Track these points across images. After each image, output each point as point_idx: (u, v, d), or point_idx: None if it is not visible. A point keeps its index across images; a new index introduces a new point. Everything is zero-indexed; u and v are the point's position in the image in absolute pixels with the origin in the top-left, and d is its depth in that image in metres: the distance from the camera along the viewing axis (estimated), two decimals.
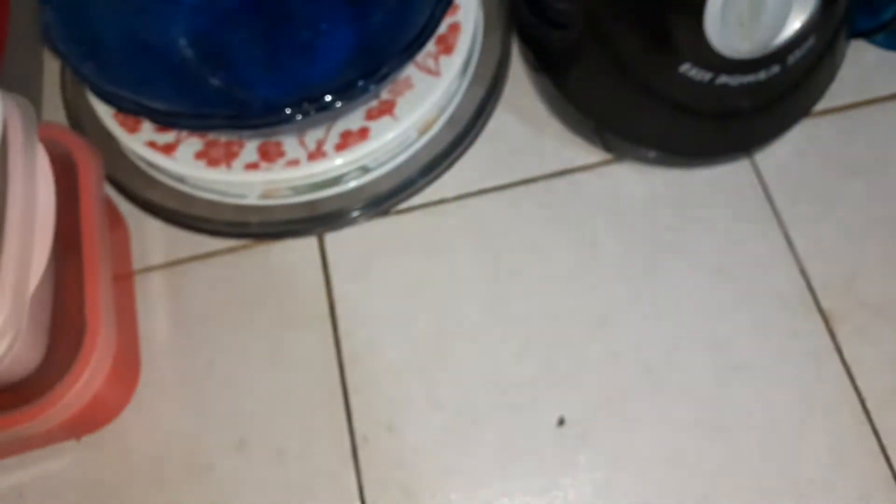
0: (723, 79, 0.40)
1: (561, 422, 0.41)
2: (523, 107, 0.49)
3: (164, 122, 0.39)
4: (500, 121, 0.49)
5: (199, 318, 0.45)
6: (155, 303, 0.46)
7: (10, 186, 0.38)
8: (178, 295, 0.46)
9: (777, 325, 0.43)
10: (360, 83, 0.39)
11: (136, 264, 0.47)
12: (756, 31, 0.38)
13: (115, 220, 0.47)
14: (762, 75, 0.41)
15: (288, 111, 0.38)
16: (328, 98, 0.39)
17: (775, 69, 0.41)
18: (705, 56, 0.39)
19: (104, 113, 0.45)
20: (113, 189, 0.48)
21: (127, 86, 0.40)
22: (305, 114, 0.38)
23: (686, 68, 0.40)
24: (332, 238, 0.47)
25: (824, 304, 0.44)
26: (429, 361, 0.43)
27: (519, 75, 0.50)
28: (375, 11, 0.45)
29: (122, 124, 0.44)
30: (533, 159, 0.48)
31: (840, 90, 0.48)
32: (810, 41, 0.41)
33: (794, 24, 0.39)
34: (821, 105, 0.47)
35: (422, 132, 0.46)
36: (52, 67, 0.51)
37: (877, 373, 0.42)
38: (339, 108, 0.39)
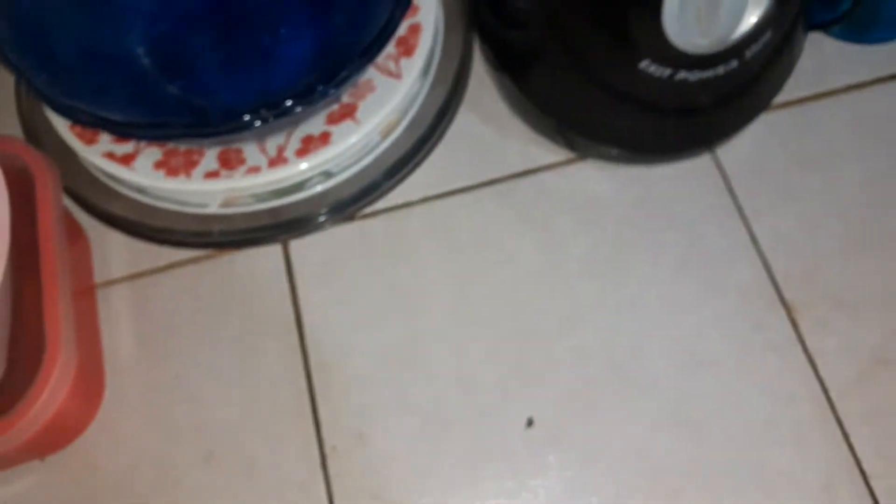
0: (682, 74, 0.41)
1: (530, 423, 0.41)
2: (486, 107, 0.49)
3: (122, 133, 0.38)
4: (464, 122, 0.49)
5: (164, 331, 0.44)
6: (118, 316, 0.45)
7: None
8: (141, 307, 0.45)
9: (741, 317, 0.44)
10: (320, 88, 0.39)
11: (98, 277, 0.46)
12: (713, 26, 0.38)
13: (75, 234, 0.46)
14: (721, 70, 0.41)
15: (246, 118, 0.38)
16: (287, 103, 0.38)
17: (733, 64, 0.41)
18: (664, 52, 0.39)
19: (61, 125, 0.44)
20: (72, 202, 0.47)
21: (83, 98, 0.39)
22: (264, 120, 0.38)
23: (646, 65, 0.40)
24: (296, 245, 0.46)
25: (787, 295, 0.44)
26: (397, 367, 0.43)
27: (481, 76, 0.50)
28: (335, 15, 0.45)
29: (80, 136, 0.43)
30: (497, 160, 0.48)
31: (799, 83, 0.49)
32: (767, 35, 0.41)
33: (751, 19, 0.39)
34: (780, 98, 0.47)
35: (384, 135, 0.45)
36: (6, 79, 0.50)
37: (839, 362, 0.42)
38: (299, 113, 0.39)
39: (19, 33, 0.41)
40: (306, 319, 0.44)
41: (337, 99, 0.43)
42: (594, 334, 0.44)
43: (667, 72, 0.40)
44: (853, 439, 0.41)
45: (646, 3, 0.38)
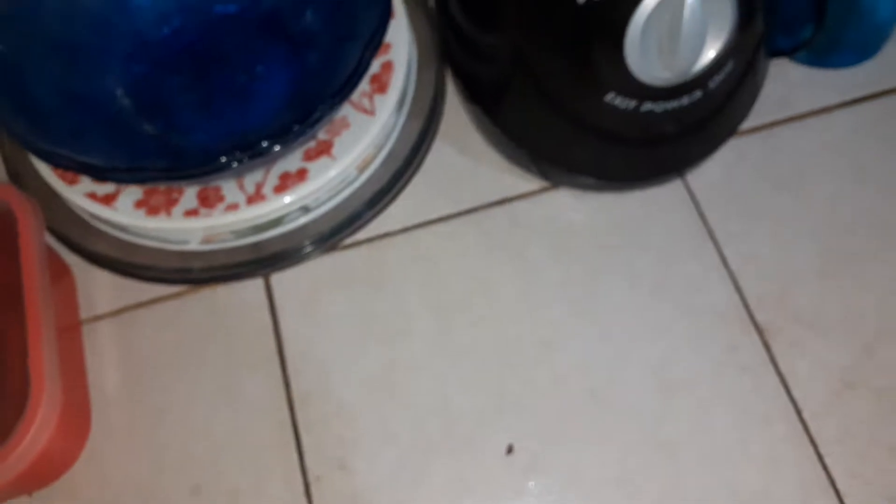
0: (647, 106, 0.42)
1: (510, 450, 0.42)
2: (461, 138, 0.50)
3: (100, 176, 0.39)
4: (440, 153, 0.50)
5: (149, 365, 0.45)
6: (103, 352, 0.46)
7: None
8: (126, 342, 0.46)
9: (714, 340, 0.44)
10: (295, 128, 0.40)
11: (84, 313, 0.47)
12: (675, 58, 0.40)
13: (60, 271, 0.47)
14: (685, 101, 0.42)
15: (223, 159, 0.39)
16: (264, 144, 0.39)
17: (697, 94, 0.42)
18: (628, 85, 0.40)
19: (43, 166, 0.45)
20: (57, 240, 0.48)
21: (61, 140, 0.40)
22: (240, 161, 0.39)
23: (611, 97, 0.41)
24: (278, 277, 0.47)
25: (759, 317, 0.45)
26: (378, 396, 0.44)
27: (456, 107, 0.51)
28: (309, 53, 0.46)
29: (62, 177, 0.44)
30: (473, 190, 0.49)
31: (766, 107, 0.50)
32: (729, 65, 0.42)
33: (711, 52, 0.40)
34: (748, 123, 0.49)
35: (361, 169, 0.46)
36: None
37: (811, 383, 0.43)
38: (275, 153, 0.40)
39: None
40: (288, 351, 0.45)
41: (313, 136, 0.44)
42: (571, 359, 0.44)
43: (632, 104, 0.41)
44: (827, 459, 0.42)
45: (608, 37, 0.39)
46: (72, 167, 0.39)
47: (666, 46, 0.39)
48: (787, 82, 0.51)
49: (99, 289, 0.47)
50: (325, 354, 0.45)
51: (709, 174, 0.49)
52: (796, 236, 0.47)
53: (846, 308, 0.45)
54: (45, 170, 0.45)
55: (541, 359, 0.44)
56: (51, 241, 0.48)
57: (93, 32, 0.45)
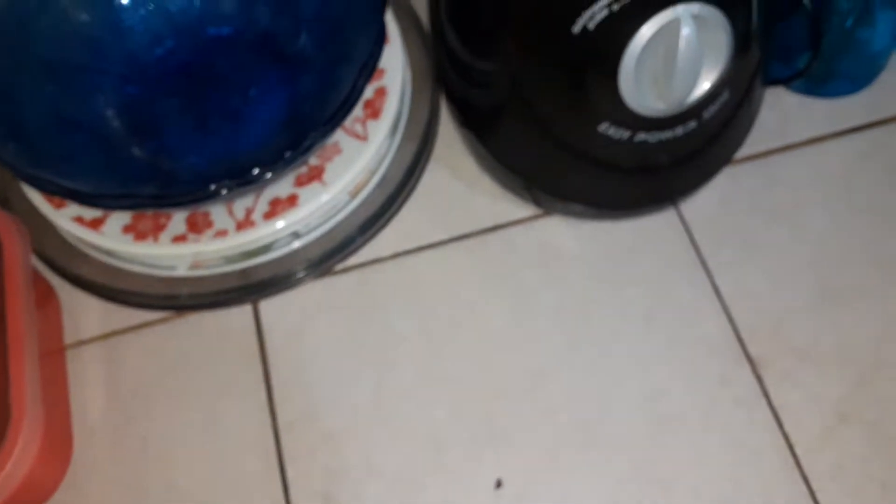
0: (641, 136, 0.41)
1: (498, 484, 0.41)
2: (455, 163, 0.50)
3: (88, 203, 0.39)
4: (433, 178, 0.50)
5: (133, 391, 0.44)
6: (87, 377, 0.45)
7: None
8: (111, 368, 0.45)
9: (706, 372, 0.44)
10: (288, 154, 0.39)
11: (68, 338, 0.46)
12: (669, 90, 0.39)
13: (45, 295, 0.46)
14: (679, 131, 0.42)
15: (213, 187, 0.38)
16: (255, 171, 0.39)
17: (692, 124, 0.42)
18: (622, 115, 0.40)
19: (31, 189, 0.44)
20: (43, 264, 0.47)
21: (51, 165, 0.40)
22: (230, 189, 0.38)
23: (605, 127, 0.41)
24: (266, 303, 0.46)
25: (751, 349, 0.44)
26: (366, 425, 0.43)
27: (450, 131, 0.51)
28: (303, 77, 0.46)
29: (49, 200, 0.44)
30: (466, 215, 0.48)
31: (761, 136, 0.50)
32: (724, 95, 0.42)
33: (706, 84, 0.40)
34: (743, 152, 0.48)
35: (353, 195, 0.46)
36: None
37: (803, 417, 0.43)
38: (266, 180, 0.39)
39: None
40: (275, 378, 0.44)
41: (304, 162, 0.44)
42: (562, 390, 0.44)
43: (626, 134, 0.41)
44: (819, 495, 0.41)
45: (602, 67, 0.39)
46: (60, 193, 0.38)
47: (661, 78, 0.39)
48: (782, 111, 0.51)
49: (84, 313, 0.47)
50: (312, 382, 0.44)
51: (703, 203, 0.48)
52: (790, 267, 0.47)
53: (840, 340, 0.45)
54: (32, 193, 0.44)
55: (531, 388, 0.44)
56: (37, 263, 0.47)
57: (85, 53, 0.45)
